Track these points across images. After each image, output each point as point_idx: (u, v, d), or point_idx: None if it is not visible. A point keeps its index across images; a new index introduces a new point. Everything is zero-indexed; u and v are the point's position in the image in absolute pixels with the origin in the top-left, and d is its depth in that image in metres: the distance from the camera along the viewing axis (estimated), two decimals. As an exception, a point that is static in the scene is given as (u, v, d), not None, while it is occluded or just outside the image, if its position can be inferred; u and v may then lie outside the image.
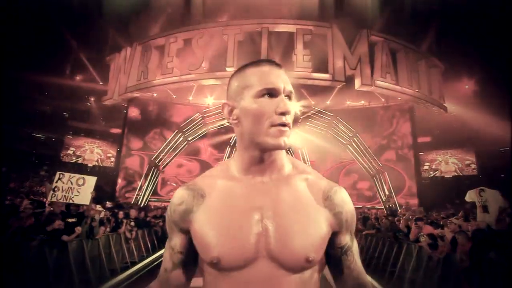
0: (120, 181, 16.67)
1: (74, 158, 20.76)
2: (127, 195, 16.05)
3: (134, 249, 5.46)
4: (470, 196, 4.94)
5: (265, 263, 0.69)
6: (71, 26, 16.39)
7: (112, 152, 20.73)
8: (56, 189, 4.36)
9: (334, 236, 0.77)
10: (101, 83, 19.95)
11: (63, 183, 4.38)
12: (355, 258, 0.79)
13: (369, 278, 0.79)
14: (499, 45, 16.45)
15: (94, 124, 21.34)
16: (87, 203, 4.47)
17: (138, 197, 14.39)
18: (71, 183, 4.39)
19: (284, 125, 0.71)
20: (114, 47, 15.80)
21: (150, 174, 14.97)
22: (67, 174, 4.52)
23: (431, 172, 18.65)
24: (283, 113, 0.70)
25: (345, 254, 0.78)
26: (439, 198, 15.35)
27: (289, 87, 0.74)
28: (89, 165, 20.96)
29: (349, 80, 13.30)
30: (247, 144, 0.74)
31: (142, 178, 15.13)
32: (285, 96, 0.73)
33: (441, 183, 17.42)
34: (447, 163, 18.44)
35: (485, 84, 17.81)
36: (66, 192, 4.35)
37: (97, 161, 20.39)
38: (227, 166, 0.80)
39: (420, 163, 17.64)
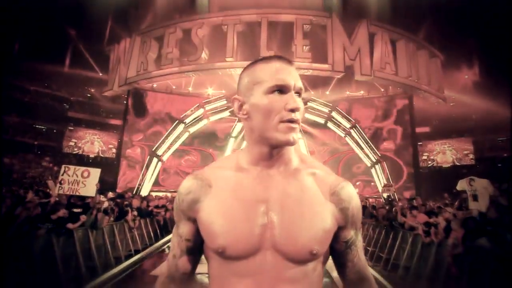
0: (121, 172, 16.84)
1: (76, 149, 20.93)
2: (128, 185, 16.23)
3: (137, 237, 5.66)
4: (461, 185, 5.08)
5: (270, 254, 0.70)
6: (71, 17, 16.27)
7: (113, 142, 20.85)
8: (62, 182, 4.51)
9: (339, 231, 0.77)
10: (100, 74, 19.93)
11: (69, 176, 4.52)
12: (358, 252, 0.80)
13: (371, 271, 0.82)
14: (499, 36, 16.36)
15: (95, 115, 21.38)
16: (93, 195, 4.62)
17: (140, 187, 14.55)
18: (77, 176, 4.53)
19: (293, 121, 0.72)
20: (114, 38, 15.73)
21: (151, 164, 15.09)
22: (72, 167, 4.64)
23: (429, 162, 18.81)
24: (292, 110, 0.71)
25: (349, 248, 0.79)
26: (436, 188, 15.54)
27: (299, 84, 0.75)
28: (90, 156, 21.12)
29: (349, 70, 13.30)
30: (256, 138, 0.76)
31: (143, 168, 15.24)
32: (295, 92, 0.74)
33: (439, 172, 17.62)
34: (445, 153, 18.57)
35: (485, 75, 17.79)
36: (72, 185, 4.50)
37: (98, 152, 20.51)
38: (236, 158, 0.82)
39: (418, 153, 17.76)
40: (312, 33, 13.45)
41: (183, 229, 0.79)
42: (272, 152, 0.75)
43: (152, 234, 6.44)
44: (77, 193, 4.56)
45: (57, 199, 4.49)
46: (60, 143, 20.68)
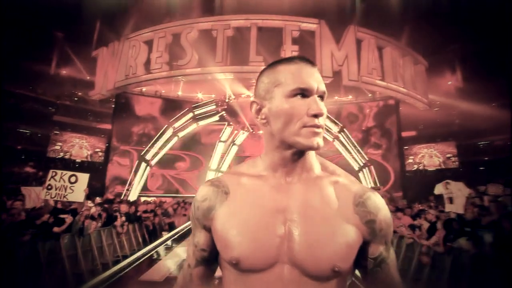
0: (109, 177, 16.60)
1: (61, 153, 20.49)
2: (116, 190, 16.00)
3: (125, 243, 5.60)
4: (438, 189, 5.29)
5: (287, 269, 0.65)
6: (57, 19, 16.04)
7: (100, 147, 20.53)
8: (49, 187, 4.42)
9: (366, 246, 0.70)
10: (88, 77, 19.66)
11: (56, 181, 4.43)
12: (391, 271, 0.71)
13: None
14: (482, 43, 17.01)
15: (81, 119, 21.03)
16: (81, 200, 4.55)
17: (128, 192, 14.40)
18: (64, 181, 4.44)
19: (317, 126, 0.67)
20: (102, 41, 15.59)
21: (140, 169, 14.97)
22: (59, 172, 4.55)
23: (415, 166, 19.25)
24: (315, 115, 0.67)
25: (379, 267, 0.70)
26: (422, 190, 15.90)
27: (323, 87, 0.70)
28: (77, 160, 20.71)
29: (337, 76, 13.55)
30: (277, 144, 0.71)
31: (132, 173, 15.10)
32: (318, 96, 0.70)
33: (425, 175, 18.03)
34: (431, 157, 19.05)
35: (467, 81, 18.39)
36: (59, 190, 4.41)
37: (86, 156, 20.16)
38: (255, 164, 0.77)
39: (404, 157, 18.18)
40: (301, 38, 13.68)
41: (199, 238, 0.75)
42: (293, 158, 0.71)
43: (140, 239, 6.40)
44: (65, 199, 4.49)
45: (42, 204, 4.42)
46: (45, 148, 20.23)
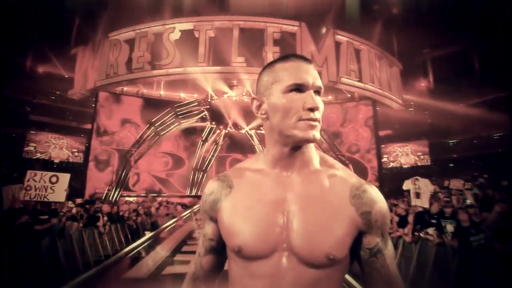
0: (89, 177, 16.26)
1: (37, 154, 19.81)
2: (97, 190, 15.71)
3: (107, 243, 5.63)
4: (407, 185, 5.71)
5: (286, 257, 0.69)
6: (34, 15, 15.48)
7: (78, 147, 20.02)
8: (28, 188, 4.40)
9: (361, 237, 0.72)
10: (66, 76, 19.11)
11: (35, 181, 4.41)
12: (387, 262, 0.73)
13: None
14: (452, 48, 17.98)
15: (59, 119, 20.40)
16: (62, 200, 4.56)
17: (110, 192, 14.19)
18: (44, 181, 4.43)
19: (312, 120, 0.71)
20: (81, 39, 15.23)
21: (122, 169, 14.79)
22: (39, 173, 4.52)
23: (391, 163, 20.06)
24: (311, 109, 0.70)
25: (375, 257, 0.72)
26: (397, 187, 16.60)
27: (318, 83, 0.74)
28: (55, 161, 20.09)
29: (317, 77, 13.92)
30: (276, 138, 0.75)
31: (114, 173, 14.90)
32: (314, 91, 0.73)
33: (400, 172, 18.80)
34: (407, 155, 19.90)
35: (439, 83, 19.38)
36: (39, 191, 4.40)
37: (65, 157, 19.60)
38: (257, 159, 0.82)
39: (381, 155, 18.92)
40: (282, 40, 13.96)
41: (207, 229, 0.81)
42: (292, 151, 0.74)
43: (123, 239, 6.42)
44: (46, 199, 4.48)
45: (21, 205, 4.40)
46: (21, 148, 19.49)
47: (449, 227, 4.19)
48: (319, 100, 0.73)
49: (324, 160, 0.80)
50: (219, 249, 0.80)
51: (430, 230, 4.39)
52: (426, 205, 4.89)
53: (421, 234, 4.27)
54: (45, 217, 4.17)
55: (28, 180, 4.42)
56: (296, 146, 0.74)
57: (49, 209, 4.49)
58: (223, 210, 0.76)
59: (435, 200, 4.80)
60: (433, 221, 4.59)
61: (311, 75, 0.73)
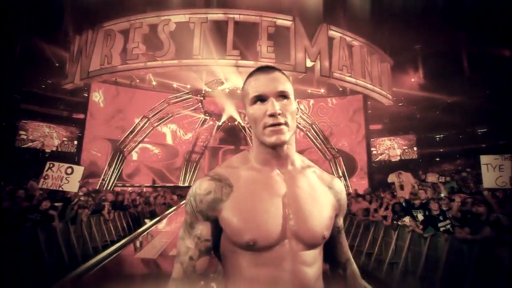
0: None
1: (28, 143, 19.70)
2: (90, 180, 15.85)
3: (112, 229, 5.99)
4: (391, 178, 6.24)
5: (290, 242, 0.78)
6: (24, 1, 15.20)
7: (69, 136, 19.98)
8: (46, 177, 4.74)
9: (335, 218, 0.89)
10: (57, 64, 18.91)
11: (53, 171, 4.75)
12: (344, 236, 0.96)
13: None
14: (441, 44, 18.49)
15: (51, 108, 20.22)
16: (76, 190, 4.91)
17: (104, 182, 14.37)
18: (61, 172, 4.77)
19: (274, 125, 0.77)
20: (74, 28, 15.09)
21: (116, 159, 14.95)
22: (56, 164, 4.87)
23: (379, 156, 20.78)
24: (271, 115, 0.77)
25: (340, 233, 0.94)
26: (385, 179, 17.31)
27: (280, 88, 0.79)
28: (46, 150, 20.02)
29: (310, 71, 14.28)
30: (258, 143, 0.83)
31: (107, 163, 15.04)
32: (278, 96, 0.79)
33: (388, 165, 19.51)
34: (395, 148, 20.63)
35: (429, 78, 19.98)
36: (56, 180, 4.75)
37: (56, 146, 19.57)
38: (246, 158, 0.88)
39: (371, 148, 19.57)
40: (276, 34, 14.17)
41: (202, 230, 0.80)
42: (273, 153, 0.82)
43: (125, 225, 6.81)
44: (61, 188, 4.83)
45: (41, 192, 4.72)
46: (11, 137, 19.34)
47: (420, 216, 4.72)
48: (284, 104, 0.79)
49: (302, 160, 0.92)
50: (211, 249, 0.82)
51: (406, 219, 4.92)
52: (407, 196, 5.43)
53: (399, 223, 4.78)
54: (59, 204, 4.51)
55: (46, 170, 4.76)
56: (273, 149, 0.81)
57: (62, 197, 4.83)
58: (226, 209, 0.78)
59: (414, 193, 5.34)
60: (417, 211, 5.11)
61: (271, 84, 0.79)
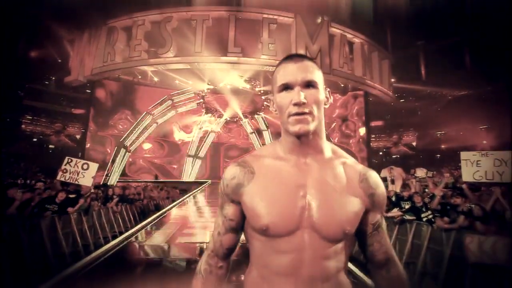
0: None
1: (31, 138, 20.06)
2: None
3: (120, 221, 6.35)
4: (383, 173, 6.55)
5: (307, 233, 0.76)
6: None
7: (75, 132, 20.32)
8: (64, 170, 5.12)
9: (367, 214, 0.82)
10: (59, 60, 19.11)
11: (71, 166, 5.13)
12: (384, 233, 0.86)
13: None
14: (443, 41, 18.58)
15: (55, 104, 20.50)
16: (89, 184, 5.28)
17: (107, 177, 14.64)
18: (77, 167, 5.16)
19: (298, 114, 0.76)
20: (78, 25, 15.31)
21: (119, 155, 15.21)
22: (74, 159, 5.25)
23: (380, 152, 21.05)
24: (296, 104, 0.76)
25: (376, 230, 0.85)
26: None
27: (307, 78, 0.79)
28: (50, 146, 20.37)
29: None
30: (284, 131, 0.83)
31: (111, 159, 15.31)
32: (305, 86, 0.78)
33: (390, 161, 19.74)
34: (396, 145, 20.87)
35: (431, 76, 20.05)
36: (72, 174, 5.14)
37: (59, 142, 19.88)
38: (274, 147, 0.88)
39: (371, 144, 19.81)
40: (278, 30, 14.33)
41: (228, 210, 0.86)
42: (299, 142, 0.81)
43: (132, 218, 7.18)
44: (76, 182, 5.22)
45: (60, 188, 5.09)
46: (16, 133, 19.68)
47: (407, 207, 5.06)
48: (311, 93, 0.78)
49: (334, 150, 0.88)
50: (237, 229, 0.86)
51: (394, 210, 5.28)
52: (398, 190, 5.77)
53: (388, 214, 5.12)
54: (73, 196, 4.88)
55: (65, 164, 5.16)
56: (298, 137, 0.80)
57: (75, 190, 5.19)
58: (248, 194, 0.81)
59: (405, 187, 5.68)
60: (404, 202, 5.45)
61: (298, 72, 0.79)
